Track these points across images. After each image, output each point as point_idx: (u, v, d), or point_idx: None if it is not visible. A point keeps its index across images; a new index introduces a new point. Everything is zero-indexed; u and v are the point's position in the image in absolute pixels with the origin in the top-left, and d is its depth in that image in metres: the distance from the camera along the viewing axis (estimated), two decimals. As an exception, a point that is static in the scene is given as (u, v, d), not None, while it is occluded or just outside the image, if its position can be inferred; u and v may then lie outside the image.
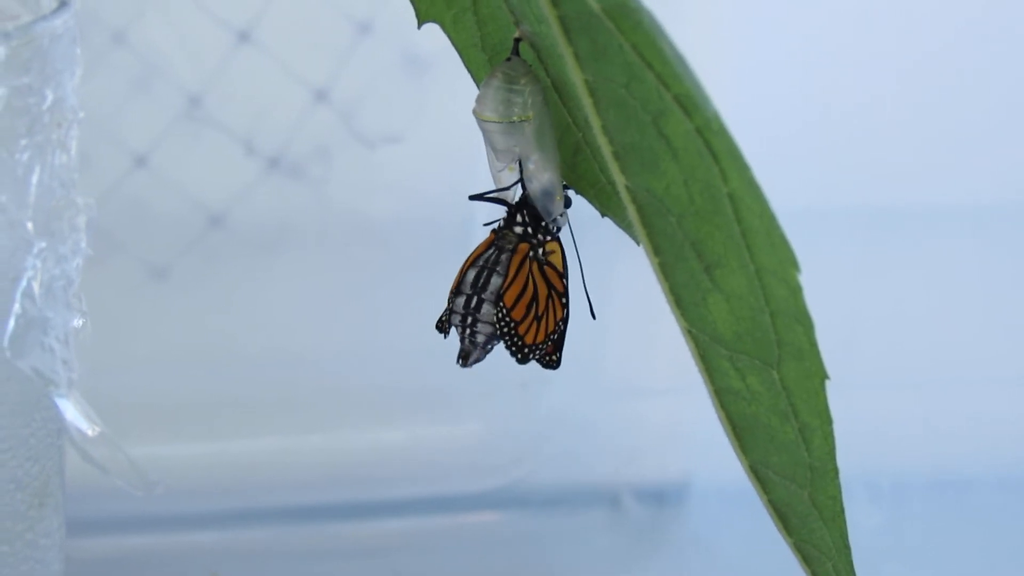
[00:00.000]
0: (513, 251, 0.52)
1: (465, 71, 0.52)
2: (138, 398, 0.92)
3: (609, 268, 0.90)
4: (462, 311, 0.52)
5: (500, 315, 0.51)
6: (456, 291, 0.52)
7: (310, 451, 0.97)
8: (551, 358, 0.53)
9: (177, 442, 0.94)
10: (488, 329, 0.52)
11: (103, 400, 0.62)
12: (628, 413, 0.99)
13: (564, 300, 0.53)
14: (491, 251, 0.52)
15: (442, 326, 0.53)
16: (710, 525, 0.96)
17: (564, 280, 0.53)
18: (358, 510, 0.96)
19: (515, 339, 0.51)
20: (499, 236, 0.52)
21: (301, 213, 0.95)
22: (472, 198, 0.53)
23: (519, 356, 0.52)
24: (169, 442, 0.93)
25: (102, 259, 0.62)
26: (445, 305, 0.53)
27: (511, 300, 0.51)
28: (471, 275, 0.52)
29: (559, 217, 0.52)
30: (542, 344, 0.52)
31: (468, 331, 0.52)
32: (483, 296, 0.52)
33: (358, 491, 0.96)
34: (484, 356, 0.52)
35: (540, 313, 0.52)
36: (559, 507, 0.98)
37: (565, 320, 0.53)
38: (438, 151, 0.93)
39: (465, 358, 0.52)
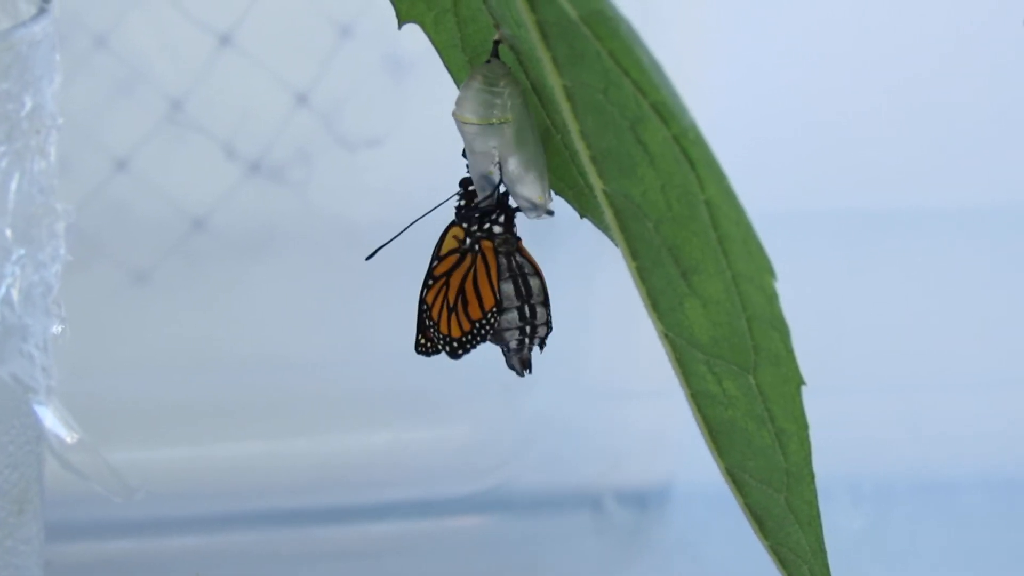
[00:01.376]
0: (520, 251, 0.52)
1: (446, 74, 0.52)
2: (121, 403, 0.92)
3: (591, 272, 0.90)
4: (519, 323, 0.52)
5: (549, 313, 0.52)
6: (500, 308, 0.52)
7: (295, 455, 0.97)
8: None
9: (160, 447, 0.94)
10: (544, 330, 0.52)
11: (85, 405, 0.62)
12: (611, 417, 1.00)
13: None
14: (503, 260, 0.52)
15: (426, 349, 0.53)
16: (693, 528, 0.96)
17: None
18: (343, 513, 0.96)
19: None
20: (499, 243, 0.52)
21: (283, 216, 0.95)
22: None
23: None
24: (152, 447, 0.93)
25: (84, 263, 0.62)
26: (418, 328, 0.53)
27: None
28: (508, 288, 0.52)
29: (544, 215, 0.52)
30: None
31: (528, 340, 0.52)
32: (532, 301, 0.52)
33: (343, 495, 0.96)
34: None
35: None
36: (543, 510, 0.98)
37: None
38: (419, 154, 0.93)
39: (529, 365, 0.53)
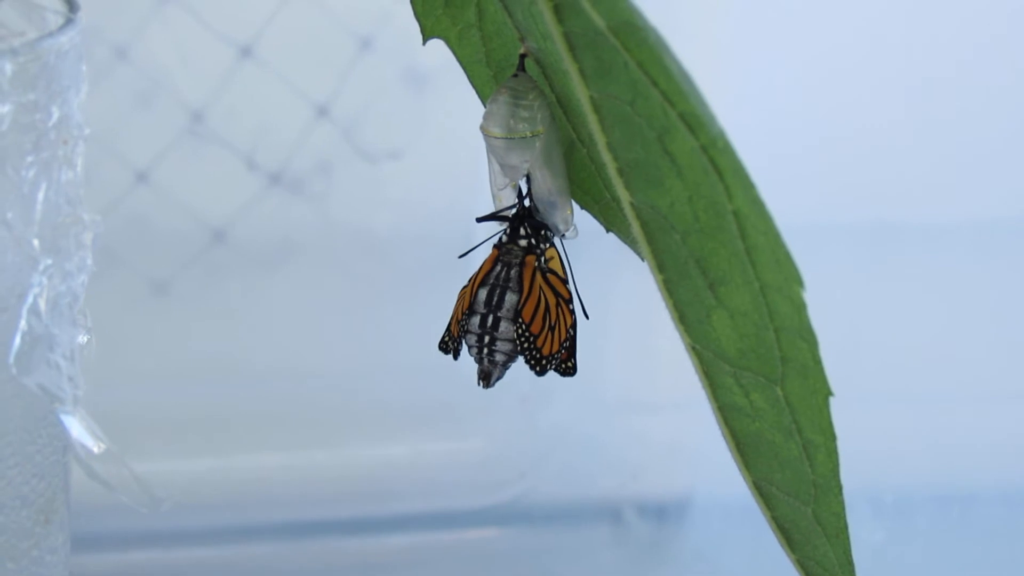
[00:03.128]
0: (522, 265, 0.52)
1: (466, 86, 0.52)
2: (140, 414, 0.92)
3: (610, 283, 0.90)
4: (478, 331, 0.51)
5: (520, 331, 0.51)
6: (469, 311, 0.52)
7: (313, 466, 0.97)
8: (566, 365, 0.53)
9: (180, 457, 0.94)
10: (507, 347, 0.51)
11: (106, 416, 0.62)
12: (630, 428, 0.99)
13: (571, 306, 0.53)
14: (498, 268, 0.52)
15: (446, 347, 0.53)
16: (712, 541, 0.96)
17: (567, 285, 0.53)
18: (361, 525, 0.96)
19: (535, 353, 0.51)
20: (504, 251, 0.52)
21: (303, 228, 0.95)
22: (480, 220, 0.53)
23: (538, 369, 0.52)
24: (172, 458, 0.93)
25: (104, 274, 0.62)
26: (447, 325, 0.53)
27: (528, 315, 0.51)
28: (483, 294, 0.52)
29: (569, 230, 0.52)
30: (557, 353, 0.52)
31: (486, 350, 0.52)
32: (499, 314, 0.51)
33: (360, 507, 0.96)
34: (504, 373, 0.52)
35: (553, 323, 0.52)
36: (561, 523, 0.97)
37: (574, 325, 0.53)
38: (439, 166, 0.93)
39: (487, 378, 0.52)
